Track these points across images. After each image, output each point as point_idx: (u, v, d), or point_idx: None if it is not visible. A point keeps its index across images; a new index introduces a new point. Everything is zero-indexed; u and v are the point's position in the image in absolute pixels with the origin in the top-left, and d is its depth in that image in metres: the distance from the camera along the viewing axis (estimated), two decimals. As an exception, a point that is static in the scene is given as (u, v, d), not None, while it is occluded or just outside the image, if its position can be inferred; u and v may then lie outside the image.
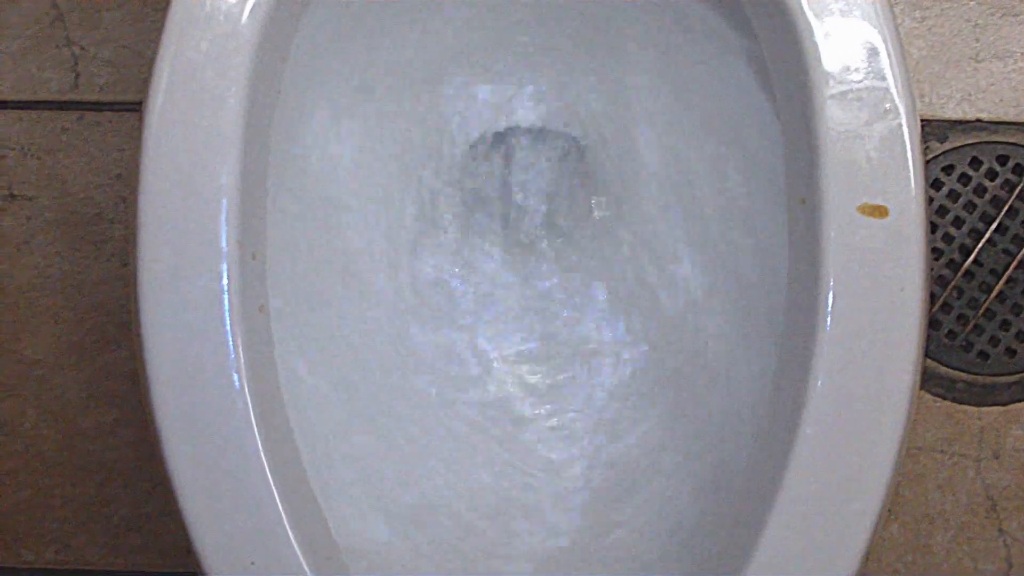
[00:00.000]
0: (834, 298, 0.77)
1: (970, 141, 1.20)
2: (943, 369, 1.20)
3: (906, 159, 0.78)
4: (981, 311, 1.19)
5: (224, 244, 0.78)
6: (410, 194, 1.05)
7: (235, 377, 0.77)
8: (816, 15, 0.80)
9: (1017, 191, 1.19)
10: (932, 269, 1.19)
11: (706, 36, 0.94)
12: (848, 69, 0.80)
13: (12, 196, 1.23)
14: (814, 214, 0.78)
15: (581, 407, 1.03)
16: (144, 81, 0.81)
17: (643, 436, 1.00)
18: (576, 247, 1.08)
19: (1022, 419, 1.19)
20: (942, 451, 1.20)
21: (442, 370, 1.02)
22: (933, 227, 1.19)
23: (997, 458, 1.19)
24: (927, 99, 1.20)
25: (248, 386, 0.77)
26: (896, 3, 1.21)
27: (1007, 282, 1.19)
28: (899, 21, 1.20)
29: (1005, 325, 1.20)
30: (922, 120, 1.19)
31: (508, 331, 1.06)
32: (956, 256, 1.20)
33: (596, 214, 1.08)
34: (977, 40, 1.21)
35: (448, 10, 0.99)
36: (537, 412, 1.02)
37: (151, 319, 0.78)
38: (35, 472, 1.24)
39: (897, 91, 0.79)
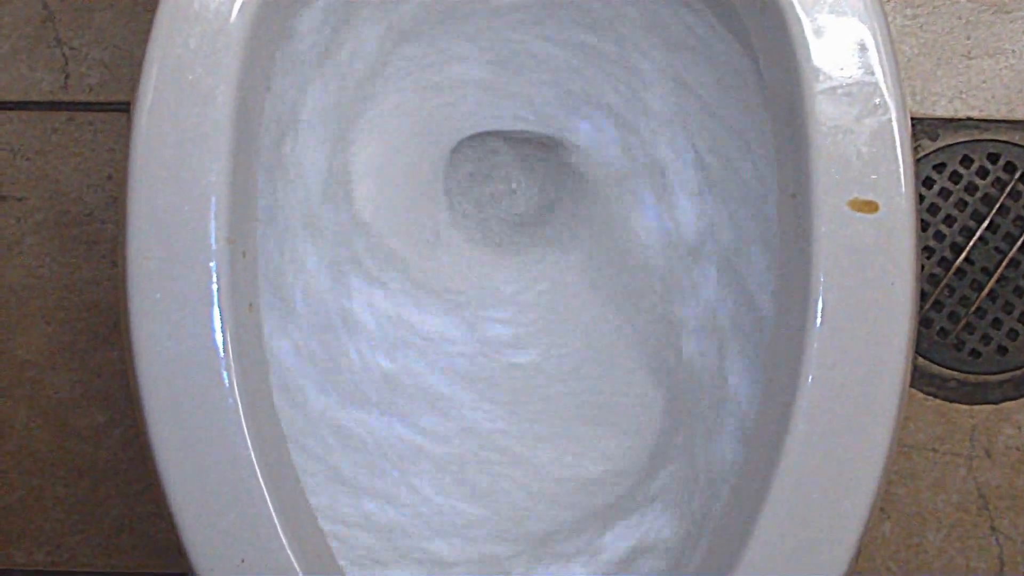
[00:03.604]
0: (824, 293, 0.77)
1: (961, 139, 1.20)
2: (935, 367, 1.20)
3: (896, 154, 0.78)
4: (972, 309, 1.19)
5: (213, 242, 0.78)
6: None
7: (224, 375, 0.77)
8: (806, 10, 0.80)
9: (1008, 189, 1.19)
10: (923, 267, 1.19)
11: (702, 33, 0.95)
12: (838, 64, 0.80)
13: (2, 197, 1.23)
14: (804, 209, 0.78)
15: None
16: (134, 80, 0.81)
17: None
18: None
19: (1013, 418, 1.19)
20: (934, 449, 1.20)
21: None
22: (924, 225, 1.19)
23: (989, 457, 1.19)
24: (918, 97, 1.20)
25: (237, 384, 0.77)
26: (888, 0, 1.21)
27: (998, 280, 1.19)
28: (891, 19, 1.20)
29: (996, 323, 1.20)
30: (913, 118, 1.19)
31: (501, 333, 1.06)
32: (947, 254, 1.20)
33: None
34: (968, 38, 1.21)
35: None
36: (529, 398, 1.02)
37: (140, 317, 0.77)
38: (27, 473, 1.23)
39: (887, 86, 0.79)
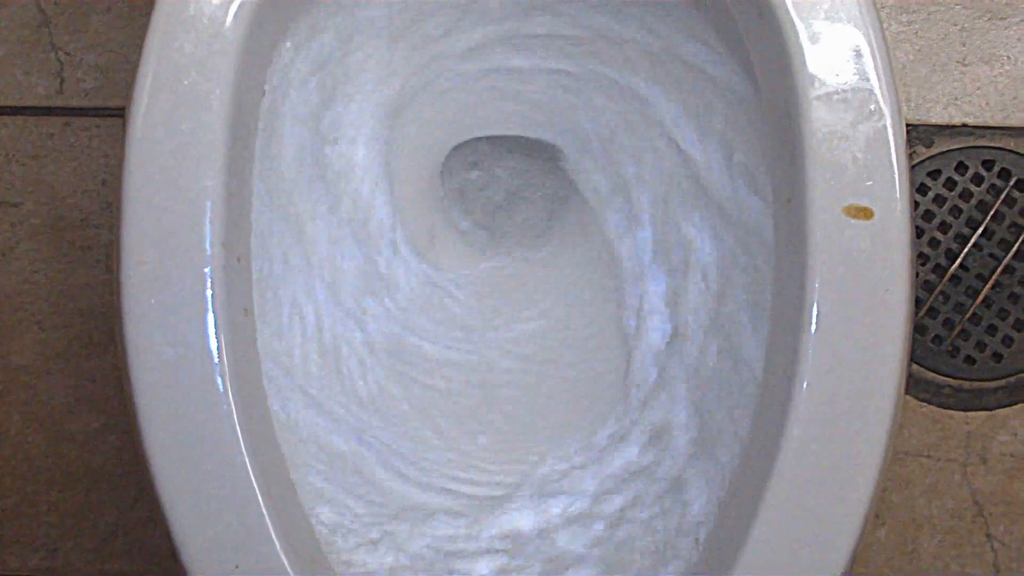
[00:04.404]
0: (819, 300, 0.76)
1: (956, 146, 1.20)
2: (929, 374, 1.20)
3: (891, 160, 0.78)
4: (967, 316, 1.19)
5: (208, 247, 0.78)
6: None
7: (219, 380, 0.77)
8: (802, 17, 0.80)
9: (1003, 195, 1.19)
10: (918, 274, 1.19)
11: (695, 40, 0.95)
12: (833, 70, 0.79)
13: (-2, 202, 1.23)
14: (800, 215, 0.78)
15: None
16: (129, 85, 0.81)
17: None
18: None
19: (1008, 424, 1.19)
20: (929, 456, 1.19)
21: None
22: (919, 232, 1.19)
23: (984, 463, 1.19)
24: (913, 103, 1.20)
25: (232, 389, 0.77)
26: (883, 7, 1.21)
27: (993, 287, 1.19)
28: (886, 25, 1.20)
29: (991, 330, 1.20)
30: (908, 125, 1.19)
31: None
32: (942, 261, 1.20)
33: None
34: (964, 44, 1.21)
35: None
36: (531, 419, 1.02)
37: (135, 323, 0.77)
38: (21, 478, 1.23)
39: (882, 92, 0.79)
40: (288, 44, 0.92)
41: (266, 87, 0.89)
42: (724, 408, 0.92)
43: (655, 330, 0.99)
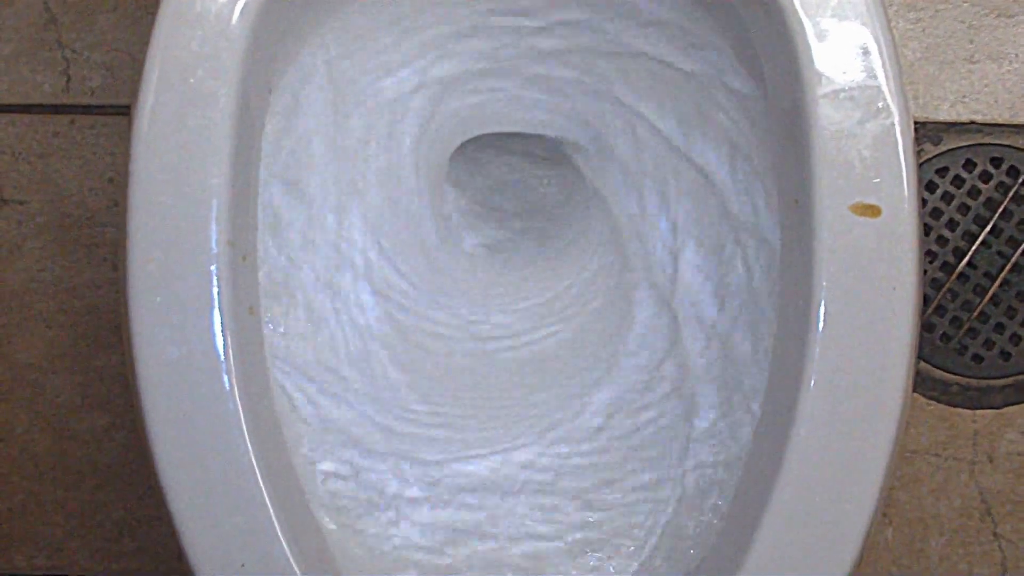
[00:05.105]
0: (827, 298, 0.76)
1: (964, 143, 1.20)
2: (937, 372, 1.19)
3: (899, 158, 0.78)
4: (975, 314, 1.19)
5: (214, 246, 0.78)
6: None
7: (225, 379, 0.77)
8: (809, 14, 0.80)
9: (1011, 193, 1.19)
10: (926, 272, 1.19)
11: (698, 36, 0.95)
12: (841, 68, 0.79)
13: (4, 200, 1.23)
14: (807, 213, 0.78)
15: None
16: (135, 83, 0.81)
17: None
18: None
19: (1016, 422, 1.19)
20: (936, 454, 1.19)
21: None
22: (927, 230, 1.19)
23: (991, 462, 1.19)
24: (921, 101, 1.20)
25: (238, 387, 0.77)
26: (890, 4, 1.21)
27: (1001, 285, 1.19)
28: (893, 23, 1.20)
29: (999, 328, 1.19)
30: (916, 122, 1.19)
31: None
32: (950, 259, 1.20)
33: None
34: (971, 42, 1.21)
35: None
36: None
37: (141, 321, 0.77)
38: (27, 477, 1.23)
39: (889, 90, 0.79)
40: (306, 43, 0.92)
41: (286, 83, 0.89)
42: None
43: (657, 322, 1.00)
